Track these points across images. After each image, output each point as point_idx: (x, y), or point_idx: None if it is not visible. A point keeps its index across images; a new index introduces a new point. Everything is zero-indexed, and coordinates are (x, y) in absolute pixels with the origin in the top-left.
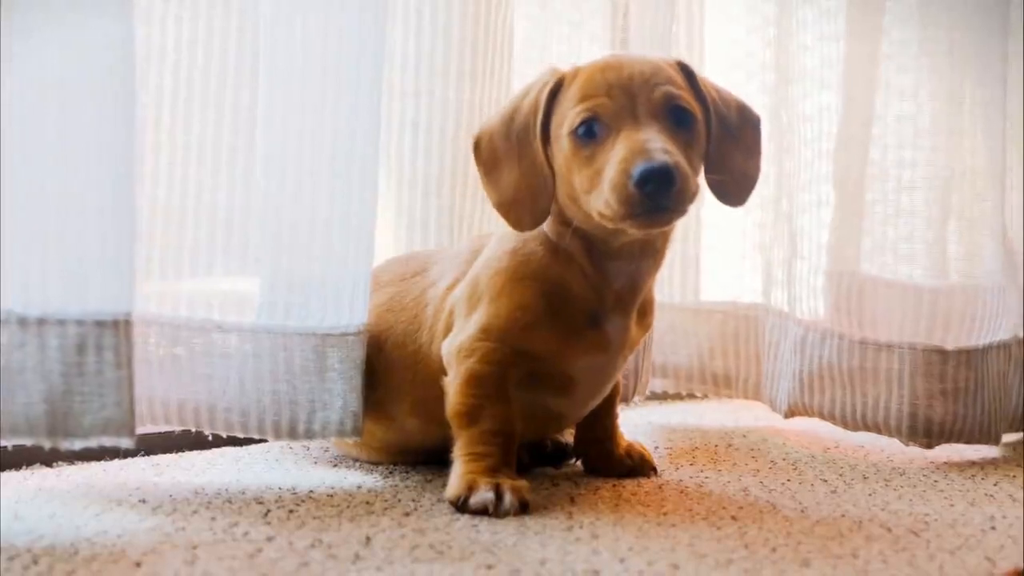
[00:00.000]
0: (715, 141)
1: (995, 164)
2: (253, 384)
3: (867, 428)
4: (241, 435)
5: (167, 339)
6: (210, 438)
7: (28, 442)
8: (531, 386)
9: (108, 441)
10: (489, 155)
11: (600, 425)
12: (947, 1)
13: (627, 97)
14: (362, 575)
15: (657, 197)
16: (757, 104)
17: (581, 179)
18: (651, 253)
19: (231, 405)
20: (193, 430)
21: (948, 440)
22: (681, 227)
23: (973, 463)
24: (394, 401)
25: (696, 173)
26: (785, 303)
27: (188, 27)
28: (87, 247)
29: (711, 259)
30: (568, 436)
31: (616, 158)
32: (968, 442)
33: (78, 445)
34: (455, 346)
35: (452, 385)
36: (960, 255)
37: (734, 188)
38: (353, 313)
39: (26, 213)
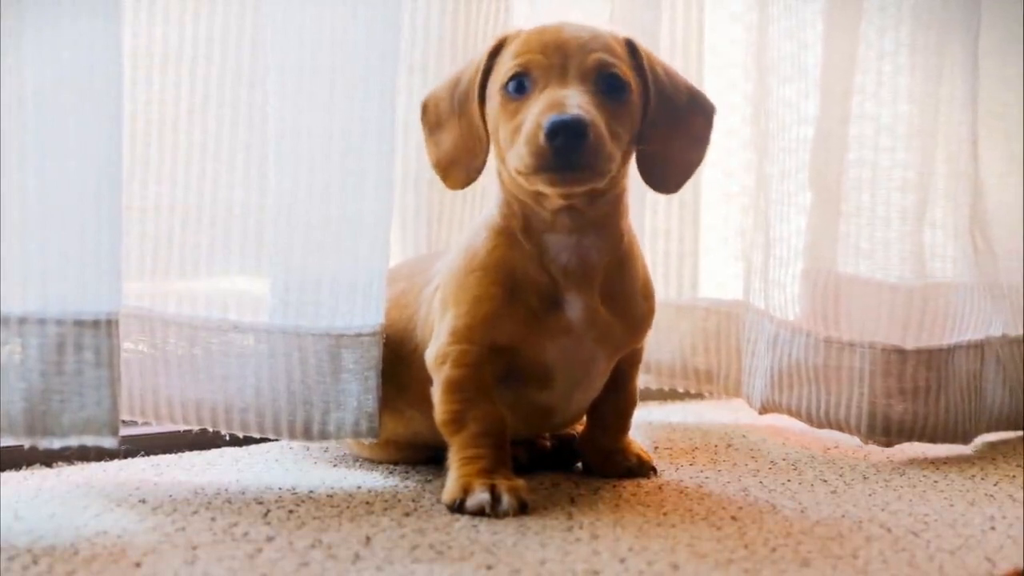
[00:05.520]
0: (653, 121)
1: (966, 163)
2: (269, 384)
3: (831, 426)
4: (257, 435)
5: (186, 339)
6: (223, 435)
7: (7, 440)
8: (512, 382)
9: (89, 440)
10: (434, 117)
11: (605, 426)
12: (925, 2)
13: (560, 57)
14: (362, 575)
15: (566, 151)
16: (752, 102)
17: (505, 134)
18: (592, 227)
19: (247, 405)
20: (196, 429)
21: (909, 439)
22: (665, 224)
23: (973, 463)
24: (400, 394)
25: (620, 143)
26: (762, 300)
27: (204, 25)
28: (69, 247)
29: (700, 257)
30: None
31: (534, 111)
32: (932, 441)
33: (57, 444)
34: (432, 355)
35: (435, 394)
36: (929, 255)
37: (666, 172)
38: (367, 313)
39: (8, 212)
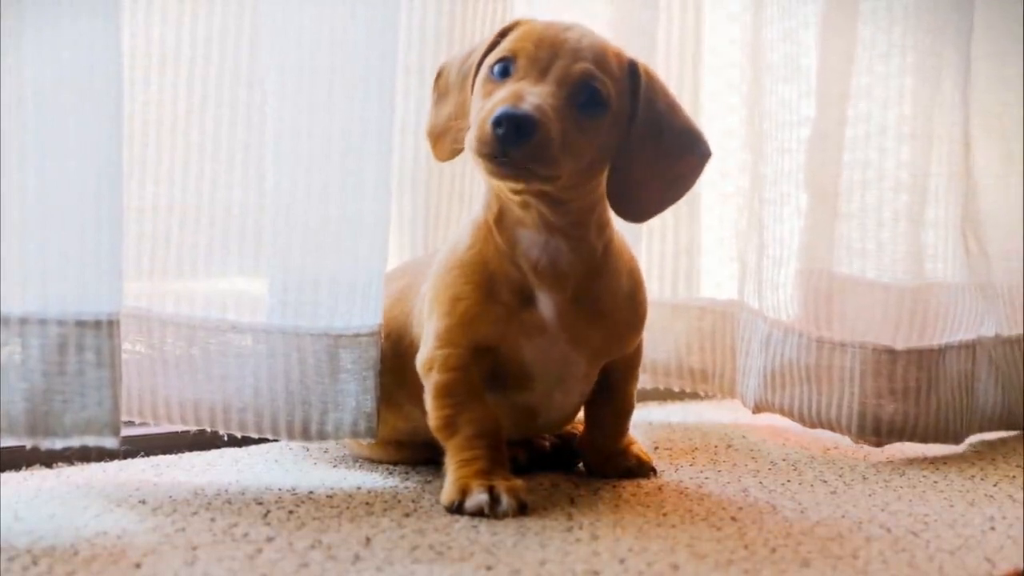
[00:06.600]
0: (632, 147)
1: (959, 164)
2: (267, 384)
3: (822, 425)
4: (256, 435)
5: (184, 339)
6: (223, 435)
7: (9, 441)
8: (494, 384)
9: (91, 441)
10: (444, 85)
11: (603, 429)
12: (920, 4)
13: (549, 55)
14: (362, 575)
15: (506, 143)
16: (748, 102)
17: (474, 112)
18: (560, 231)
19: (246, 405)
20: (195, 429)
21: (899, 439)
22: (661, 224)
23: (973, 463)
24: (399, 388)
25: (579, 156)
26: (756, 300)
27: (203, 25)
28: (70, 247)
29: (695, 257)
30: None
31: (497, 97)
32: (923, 441)
33: (59, 444)
34: (420, 361)
35: (427, 401)
36: (923, 256)
37: (635, 201)
38: (366, 313)
39: (8, 212)
